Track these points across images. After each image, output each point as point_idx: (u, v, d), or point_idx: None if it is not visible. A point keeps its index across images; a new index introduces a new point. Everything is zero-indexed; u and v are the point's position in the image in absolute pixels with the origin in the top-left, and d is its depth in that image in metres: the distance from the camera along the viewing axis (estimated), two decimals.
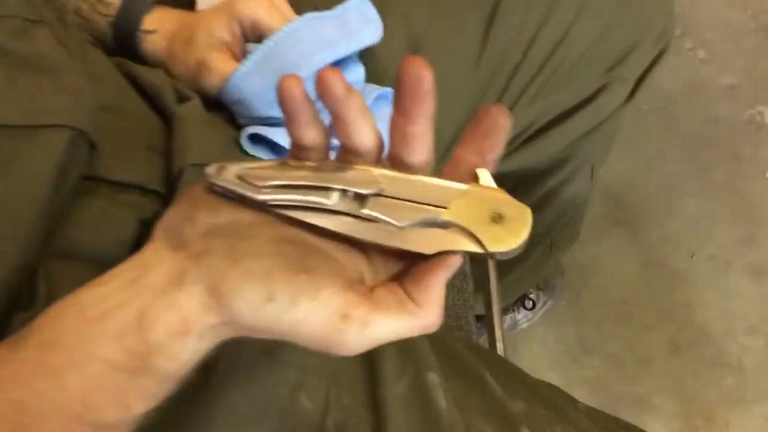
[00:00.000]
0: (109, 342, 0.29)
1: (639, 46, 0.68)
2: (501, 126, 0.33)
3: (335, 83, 0.31)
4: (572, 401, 0.57)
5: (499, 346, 0.82)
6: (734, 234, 1.32)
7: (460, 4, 0.64)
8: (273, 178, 0.32)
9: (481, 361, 0.55)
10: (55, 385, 0.29)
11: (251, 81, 0.52)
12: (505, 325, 1.24)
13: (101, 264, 0.32)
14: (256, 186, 0.32)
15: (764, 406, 1.19)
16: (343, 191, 0.32)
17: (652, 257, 1.31)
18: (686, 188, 1.37)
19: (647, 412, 1.19)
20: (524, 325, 1.27)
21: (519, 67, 0.65)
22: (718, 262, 1.30)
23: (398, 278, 0.33)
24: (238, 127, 0.55)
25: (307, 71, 0.51)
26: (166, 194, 0.46)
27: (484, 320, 0.84)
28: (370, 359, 0.48)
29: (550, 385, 0.58)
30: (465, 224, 0.32)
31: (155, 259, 0.31)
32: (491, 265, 0.82)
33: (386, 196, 0.32)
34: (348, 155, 0.34)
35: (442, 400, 0.48)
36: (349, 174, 0.33)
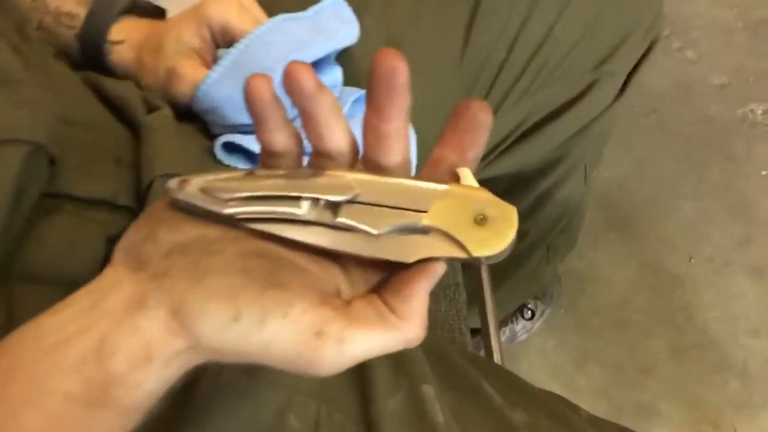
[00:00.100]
0: (67, 374, 0.28)
1: (627, 40, 0.67)
2: (481, 122, 0.32)
3: (305, 77, 0.30)
4: (574, 408, 0.55)
5: (497, 356, 0.81)
6: (732, 234, 1.31)
7: (439, 3, 0.63)
8: (239, 190, 0.31)
9: (478, 370, 0.53)
10: (11, 423, 0.27)
11: (223, 87, 0.50)
12: (504, 338, 1.23)
13: (69, 287, 0.31)
14: (221, 199, 0.30)
15: None
16: (315, 200, 0.30)
17: (650, 261, 1.30)
18: (681, 190, 1.36)
19: (653, 420, 1.17)
20: (523, 337, 1.25)
21: (503, 66, 0.64)
22: (716, 263, 1.29)
23: (378, 289, 0.31)
24: (212, 138, 0.53)
25: (280, 75, 0.49)
26: (136, 209, 0.45)
27: (481, 334, 0.82)
28: (362, 373, 0.46)
29: (550, 393, 0.56)
30: (446, 228, 0.30)
31: (115, 282, 0.29)
32: (484, 272, 0.80)
33: (361, 203, 0.30)
34: (320, 160, 0.32)
35: (438, 414, 0.46)
36: (321, 180, 0.31)
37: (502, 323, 1.22)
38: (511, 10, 0.63)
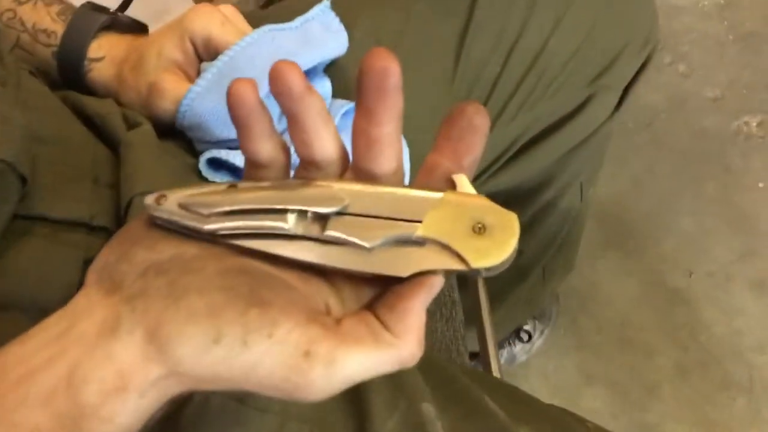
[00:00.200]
0: (35, 407, 0.25)
1: (624, 54, 0.66)
2: (477, 126, 0.30)
3: (292, 77, 0.28)
4: (581, 422, 0.53)
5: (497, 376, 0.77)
6: (732, 248, 1.30)
7: (431, 16, 0.62)
8: (220, 204, 0.29)
9: (479, 385, 0.51)
10: None
11: (207, 101, 0.48)
12: (503, 360, 1.21)
13: (43, 314, 0.28)
14: (201, 215, 0.28)
15: None
16: (302, 212, 0.28)
17: (650, 278, 1.28)
18: (679, 205, 1.35)
19: None
20: (523, 358, 1.23)
21: (498, 81, 0.62)
22: (717, 278, 1.27)
23: (371, 306, 0.29)
24: (197, 155, 0.51)
25: (266, 89, 0.48)
26: (115, 230, 0.42)
27: (480, 358, 0.80)
28: (357, 394, 0.44)
29: (555, 407, 0.55)
30: (443, 239, 0.28)
31: (86, 307, 0.27)
32: (481, 287, 0.77)
33: (351, 214, 0.28)
34: (308, 170, 0.30)
35: None
36: (308, 191, 0.29)
37: (499, 346, 1.20)
38: (506, 24, 0.61)
